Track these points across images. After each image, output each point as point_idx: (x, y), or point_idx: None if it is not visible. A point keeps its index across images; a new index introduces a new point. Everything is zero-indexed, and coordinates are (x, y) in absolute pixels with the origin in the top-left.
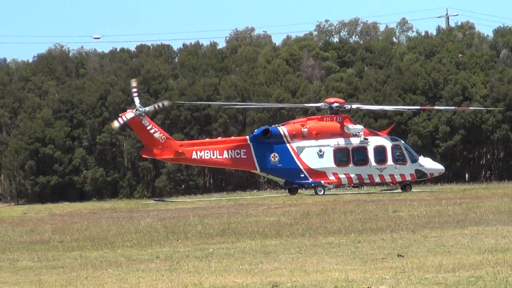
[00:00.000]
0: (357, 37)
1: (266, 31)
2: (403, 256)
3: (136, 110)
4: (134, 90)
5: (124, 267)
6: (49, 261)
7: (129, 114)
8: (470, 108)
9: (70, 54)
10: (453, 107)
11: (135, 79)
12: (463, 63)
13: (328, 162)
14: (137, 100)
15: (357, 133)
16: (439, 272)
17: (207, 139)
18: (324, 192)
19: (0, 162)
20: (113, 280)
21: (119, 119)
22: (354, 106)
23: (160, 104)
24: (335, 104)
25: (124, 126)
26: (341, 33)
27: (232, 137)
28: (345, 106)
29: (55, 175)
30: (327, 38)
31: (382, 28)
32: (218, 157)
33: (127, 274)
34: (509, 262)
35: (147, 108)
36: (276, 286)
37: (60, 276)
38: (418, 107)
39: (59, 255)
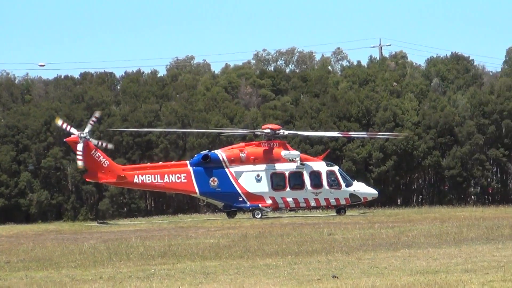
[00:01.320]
0: (293, 65)
1: (205, 60)
2: (337, 277)
3: (81, 138)
4: (64, 126)
5: (68, 287)
6: None
7: (80, 146)
8: (401, 135)
9: (16, 80)
10: (385, 134)
11: (57, 117)
12: (397, 91)
13: (265, 186)
14: (74, 130)
15: (294, 159)
16: None
17: (148, 164)
18: (261, 216)
19: None
20: None
21: (77, 157)
22: (291, 132)
23: (94, 118)
24: (272, 130)
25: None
26: (278, 62)
27: (173, 162)
28: (281, 132)
29: (1, 197)
30: (265, 66)
31: (318, 57)
32: (159, 181)
33: None
34: (440, 283)
35: (87, 130)
36: None
37: None
38: (352, 134)
39: (6, 275)
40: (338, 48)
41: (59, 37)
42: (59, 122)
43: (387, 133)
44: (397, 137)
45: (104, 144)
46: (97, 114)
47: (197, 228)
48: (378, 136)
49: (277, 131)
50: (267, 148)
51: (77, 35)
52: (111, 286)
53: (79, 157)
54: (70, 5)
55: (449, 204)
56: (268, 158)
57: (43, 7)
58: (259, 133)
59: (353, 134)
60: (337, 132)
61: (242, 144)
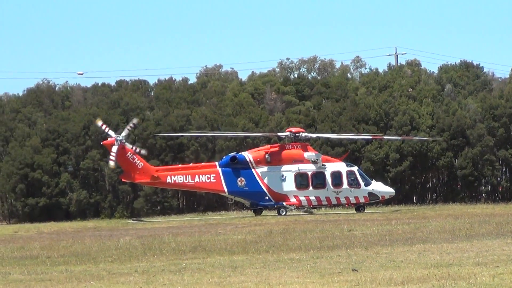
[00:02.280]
0: (315, 73)
1: (233, 68)
2: (357, 271)
3: (116, 141)
4: (104, 128)
5: (105, 280)
6: (37, 275)
7: (114, 148)
8: (415, 138)
9: (56, 88)
10: (401, 137)
11: (98, 118)
12: (413, 97)
13: (289, 185)
14: (112, 133)
15: (316, 160)
16: (389, 285)
17: (180, 165)
18: (286, 213)
19: None
20: None
21: (111, 157)
22: (313, 135)
23: (131, 124)
24: (296, 133)
25: (115, 160)
26: (301, 70)
27: (203, 163)
28: (304, 135)
29: (43, 197)
30: (288, 74)
31: (338, 65)
32: (190, 181)
33: (108, 287)
34: (453, 276)
35: (123, 134)
36: None
37: None
38: (370, 137)
39: (47, 269)
40: (357, 56)
41: (97, 47)
42: (99, 123)
43: (418, 137)
44: (436, 141)
45: (138, 150)
46: (135, 121)
47: (226, 224)
48: (416, 139)
49: (299, 134)
50: (291, 150)
51: (113, 45)
52: (145, 279)
53: (112, 157)
54: (106, 17)
55: (461, 201)
56: (292, 159)
57: (81, 19)
58: (283, 136)
59: (387, 136)
60: (369, 135)
61: (267, 146)
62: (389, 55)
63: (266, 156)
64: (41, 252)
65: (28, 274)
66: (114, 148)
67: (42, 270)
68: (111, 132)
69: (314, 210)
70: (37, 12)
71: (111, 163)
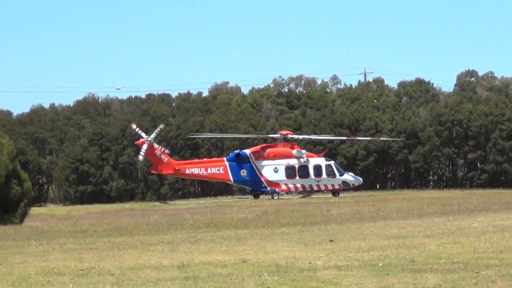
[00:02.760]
0: (301, 88)
1: (237, 84)
2: (333, 241)
3: (147, 141)
4: (137, 130)
5: (139, 249)
6: (87, 245)
7: (144, 146)
8: (379, 138)
9: (99, 100)
10: (368, 138)
11: (133, 122)
12: (377, 106)
13: (281, 176)
14: (143, 135)
15: (301, 156)
16: (358, 252)
17: (196, 160)
18: (278, 197)
19: (51, 175)
20: (132, 257)
21: (141, 153)
22: (299, 136)
23: (158, 129)
24: (286, 135)
25: (144, 155)
26: (290, 85)
27: (214, 158)
28: (293, 136)
29: (90, 185)
30: (280, 89)
31: (319, 81)
32: (204, 172)
33: (141, 253)
34: (407, 245)
35: (152, 136)
36: (245, 261)
37: (95, 255)
38: (344, 137)
39: (94, 240)
40: (334, 74)
41: (131, 67)
42: (134, 126)
43: (384, 137)
44: (395, 141)
45: (163, 149)
46: (161, 126)
47: (232, 206)
48: (380, 139)
49: (288, 136)
50: (282, 148)
51: (143, 66)
52: (170, 248)
53: (141, 154)
54: (137, 44)
55: (414, 188)
56: (283, 155)
57: (118, 45)
58: (276, 137)
59: (357, 137)
60: (343, 136)
61: (264, 145)
62: (359, 74)
63: (263, 153)
64: (89, 227)
65: (79, 244)
66: (144, 147)
67: (90, 241)
68: (142, 134)
69: (299, 195)
70: (83, 38)
71: (140, 158)
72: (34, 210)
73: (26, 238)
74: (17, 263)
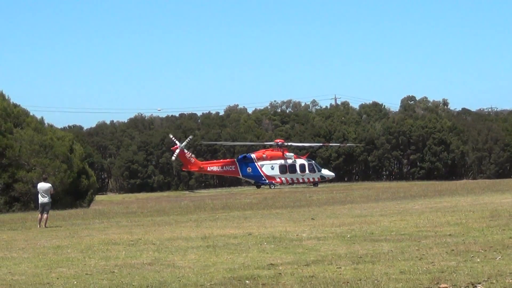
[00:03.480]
0: (290, 108)
1: (244, 106)
2: (314, 219)
3: (179, 147)
4: (173, 138)
5: (174, 225)
6: (135, 222)
7: (177, 151)
8: (346, 144)
9: (146, 118)
10: (338, 144)
11: (171, 133)
12: (344, 122)
13: (276, 172)
14: (177, 142)
15: (290, 157)
16: (332, 227)
17: (215, 160)
18: (274, 187)
19: (111, 172)
20: (168, 231)
21: (174, 155)
22: (289, 143)
23: (188, 139)
24: (279, 143)
25: (177, 158)
26: (282, 107)
27: (227, 159)
28: (284, 143)
29: (138, 179)
30: (275, 109)
31: (303, 104)
32: (220, 169)
33: (175, 228)
34: (367, 222)
35: (183, 144)
36: (250, 234)
37: (141, 230)
38: (321, 144)
39: (140, 219)
40: (314, 99)
41: (169, 92)
42: (171, 135)
43: (350, 144)
44: (357, 146)
45: (190, 154)
46: (190, 137)
47: (240, 194)
48: (347, 145)
49: (281, 143)
50: (277, 152)
51: (176, 91)
52: (196, 224)
53: (174, 156)
54: (173, 74)
55: (372, 180)
56: (277, 157)
57: (161, 77)
58: (273, 144)
59: (330, 144)
60: (320, 143)
61: (264, 150)
62: (331, 99)
63: (263, 155)
64: (137, 210)
65: (130, 222)
66: (177, 151)
67: (138, 220)
68: (177, 141)
69: (289, 186)
70: (135, 70)
71: (173, 158)
72: (97, 198)
73: (91, 218)
74: (84, 236)
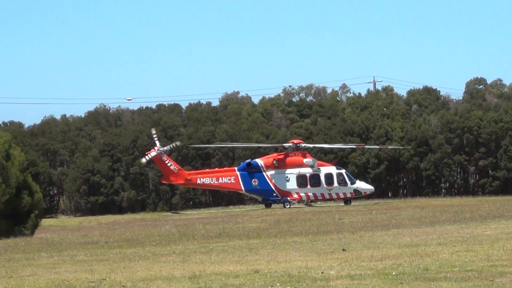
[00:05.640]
0: (311, 97)
1: (247, 94)
2: (346, 250)
3: (158, 150)
4: (154, 136)
5: (150, 260)
6: (98, 256)
7: (153, 153)
8: (389, 146)
9: (111, 110)
10: (378, 146)
11: (154, 128)
12: (387, 114)
13: (292, 185)
14: (157, 143)
15: (313, 164)
16: (371, 261)
17: (207, 170)
18: (290, 206)
19: (62, 187)
20: (143, 269)
21: (146, 156)
22: (310, 145)
23: (174, 145)
24: (297, 144)
25: (150, 162)
26: (300, 94)
27: (225, 168)
28: (304, 145)
29: (101, 195)
30: (291, 98)
31: (329, 90)
32: (215, 182)
33: (152, 265)
34: (420, 253)
35: (165, 148)
36: (257, 272)
37: (106, 266)
38: (354, 146)
39: (105, 252)
40: (344, 83)
41: (140, 79)
42: (153, 131)
43: (395, 146)
44: (405, 148)
45: (173, 145)
46: (177, 143)
47: (243, 215)
48: (390, 147)
49: (299, 144)
50: (293, 157)
51: (153, 76)
52: (182, 258)
53: (146, 157)
54: (147, 55)
55: (425, 196)
56: (294, 164)
57: (128, 56)
58: (287, 146)
59: (368, 145)
60: (354, 145)
61: (275, 154)
62: (369, 82)
63: (274, 162)
64: (100, 238)
65: (90, 255)
66: (153, 153)
67: (101, 252)
68: (157, 142)
69: (312, 203)
70: (94, 49)
71: (143, 160)
72: (44, 222)
73: (37, 250)
74: (27, 275)
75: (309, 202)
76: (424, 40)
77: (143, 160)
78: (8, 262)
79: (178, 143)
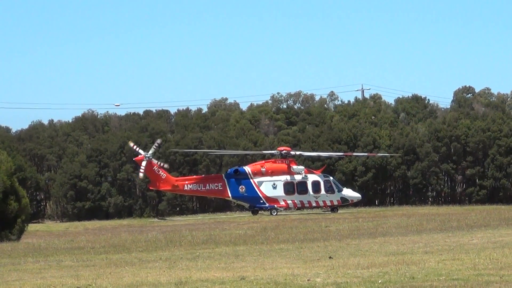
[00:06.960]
0: (299, 104)
1: (235, 100)
2: (332, 258)
3: (145, 158)
4: (135, 147)
5: (137, 266)
6: (84, 262)
7: (143, 163)
8: (378, 154)
9: (98, 116)
10: (366, 154)
11: (130, 141)
12: (375, 122)
13: (279, 192)
14: (142, 151)
15: (300, 172)
16: (357, 269)
17: (194, 176)
18: (276, 213)
19: (49, 192)
20: (129, 274)
21: (140, 170)
22: (298, 152)
23: (156, 144)
24: (284, 151)
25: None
26: (288, 102)
27: (212, 175)
28: (291, 152)
29: (88, 201)
30: (279, 105)
31: (317, 98)
32: (202, 188)
33: (139, 271)
34: (406, 262)
35: (150, 152)
36: (243, 279)
37: (92, 272)
38: (342, 153)
39: (91, 257)
40: (332, 91)
41: (129, 84)
42: (131, 144)
43: (382, 153)
44: (394, 156)
45: (162, 164)
46: (158, 141)
47: (230, 222)
48: (378, 155)
49: (287, 152)
50: (280, 164)
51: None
52: (168, 265)
53: (141, 171)
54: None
55: (412, 204)
56: (281, 171)
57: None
58: (275, 153)
59: (355, 153)
60: (341, 152)
61: (262, 161)
62: (357, 90)
63: (261, 169)
64: (86, 244)
65: (76, 261)
66: (143, 163)
67: (88, 258)
68: (140, 151)
69: (298, 212)
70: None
71: (141, 175)
72: (31, 227)
73: (23, 255)
74: (13, 280)
75: (296, 209)
76: (412, 49)
77: (140, 175)
78: None
79: (159, 141)
